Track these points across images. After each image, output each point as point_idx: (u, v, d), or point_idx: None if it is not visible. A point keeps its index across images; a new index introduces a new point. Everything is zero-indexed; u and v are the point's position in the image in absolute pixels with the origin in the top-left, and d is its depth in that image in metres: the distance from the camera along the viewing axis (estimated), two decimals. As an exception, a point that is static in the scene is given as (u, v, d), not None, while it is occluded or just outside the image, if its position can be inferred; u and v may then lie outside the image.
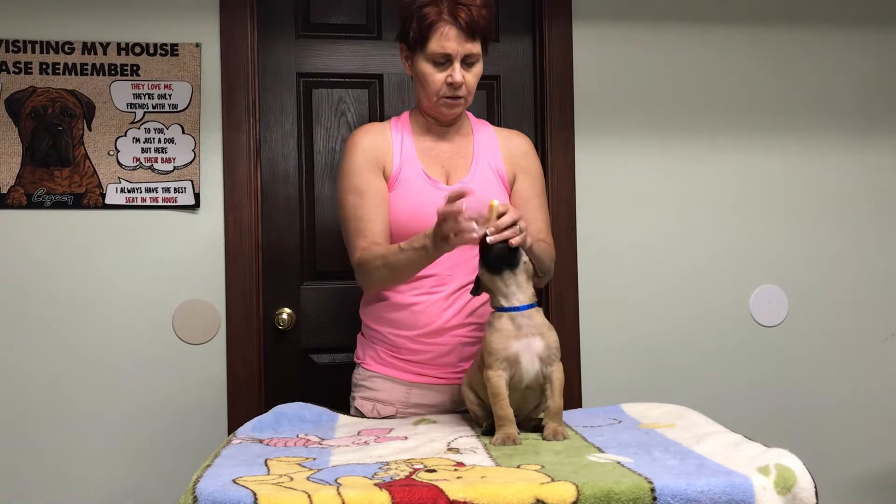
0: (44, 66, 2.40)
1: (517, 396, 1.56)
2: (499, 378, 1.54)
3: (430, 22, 1.74)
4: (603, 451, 1.41)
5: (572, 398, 2.54)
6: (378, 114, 2.61)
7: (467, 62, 1.79)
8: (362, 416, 1.88)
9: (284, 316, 2.54)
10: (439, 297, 1.81)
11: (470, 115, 1.98)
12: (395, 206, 1.82)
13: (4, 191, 2.37)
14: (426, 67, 1.79)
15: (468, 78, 1.79)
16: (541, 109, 2.66)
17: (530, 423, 1.62)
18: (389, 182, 1.83)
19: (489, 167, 1.89)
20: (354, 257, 1.81)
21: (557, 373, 1.56)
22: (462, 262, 1.79)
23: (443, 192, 1.77)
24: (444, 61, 1.77)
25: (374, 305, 1.90)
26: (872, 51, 2.79)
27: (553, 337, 1.57)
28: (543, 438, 1.53)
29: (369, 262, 1.76)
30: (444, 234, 1.55)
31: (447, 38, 1.75)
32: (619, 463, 1.32)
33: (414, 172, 1.83)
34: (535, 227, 1.87)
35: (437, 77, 1.78)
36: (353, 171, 1.82)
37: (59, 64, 2.41)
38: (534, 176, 1.94)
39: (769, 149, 2.74)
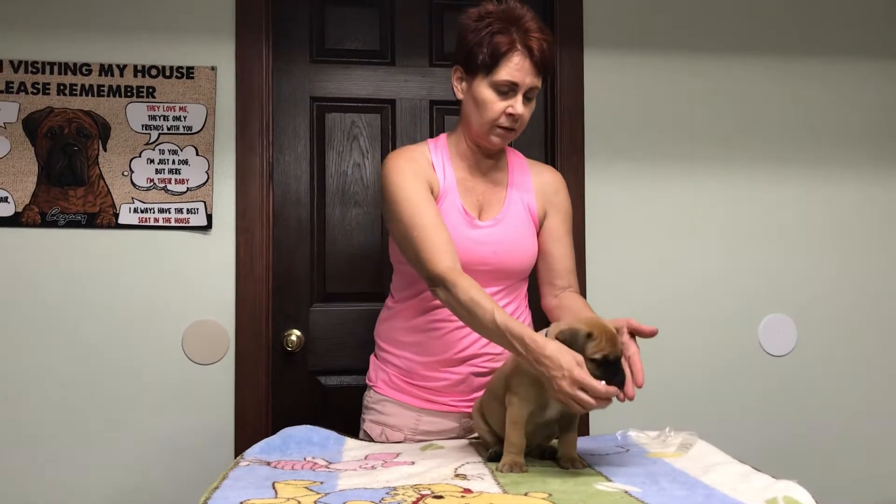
0: (61, 87, 2.43)
1: (531, 429, 1.53)
2: (522, 406, 1.50)
3: (504, 50, 1.69)
4: (610, 480, 1.41)
5: (579, 425, 2.52)
6: (390, 138, 2.63)
7: (527, 95, 1.74)
8: (371, 439, 1.88)
9: (293, 338, 2.55)
10: (458, 324, 1.78)
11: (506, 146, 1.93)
12: None
13: (19, 209, 2.40)
14: (488, 94, 1.73)
15: (525, 111, 1.75)
16: (551, 135, 2.67)
17: (539, 449, 1.62)
18: (436, 201, 1.77)
19: (521, 203, 1.85)
20: (434, 270, 1.64)
21: None
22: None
23: (476, 231, 1.75)
24: (507, 90, 1.72)
25: (390, 326, 1.89)
26: (883, 81, 2.80)
27: None
28: (561, 466, 1.52)
29: (450, 298, 1.61)
30: (562, 398, 1.40)
31: (518, 69, 1.70)
32: (626, 492, 1.31)
33: (453, 204, 1.78)
34: (562, 265, 1.88)
35: (498, 105, 1.73)
36: (404, 187, 1.72)
37: (76, 85, 2.44)
38: (564, 214, 1.92)
39: (779, 178, 2.75)
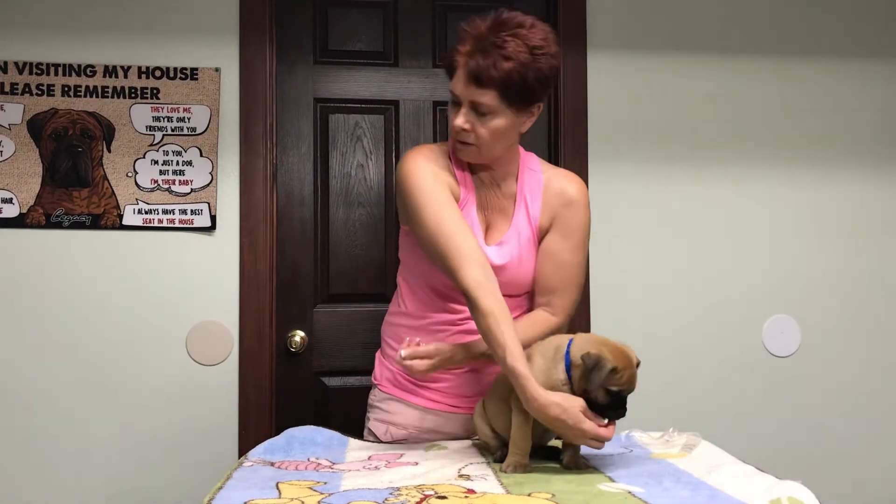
0: (65, 89, 2.44)
1: (541, 429, 1.53)
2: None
3: (454, 62, 1.68)
4: (614, 481, 1.41)
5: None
6: (394, 139, 2.64)
7: (479, 111, 1.67)
8: (375, 437, 1.88)
9: (297, 338, 2.55)
10: (464, 326, 1.78)
11: (522, 152, 1.86)
12: None
13: (24, 210, 2.41)
14: (449, 108, 1.74)
15: (479, 128, 1.67)
16: (555, 137, 2.67)
17: (543, 451, 1.62)
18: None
19: (526, 221, 1.79)
20: (462, 284, 1.60)
21: None
22: None
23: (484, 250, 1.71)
24: (457, 101, 1.69)
25: (396, 324, 1.89)
26: (887, 82, 2.80)
27: None
28: (564, 466, 1.52)
29: (474, 312, 1.58)
30: (561, 432, 1.48)
31: (457, 79, 1.67)
32: (630, 493, 1.31)
33: (469, 217, 1.75)
34: (542, 283, 1.78)
35: (451, 117, 1.72)
36: (426, 187, 1.68)
37: (80, 86, 2.45)
38: (566, 231, 1.79)
39: (783, 179, 2.75)
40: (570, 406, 1.44)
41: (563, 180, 1.83)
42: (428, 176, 1.70)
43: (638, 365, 1.48)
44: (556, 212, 1.79)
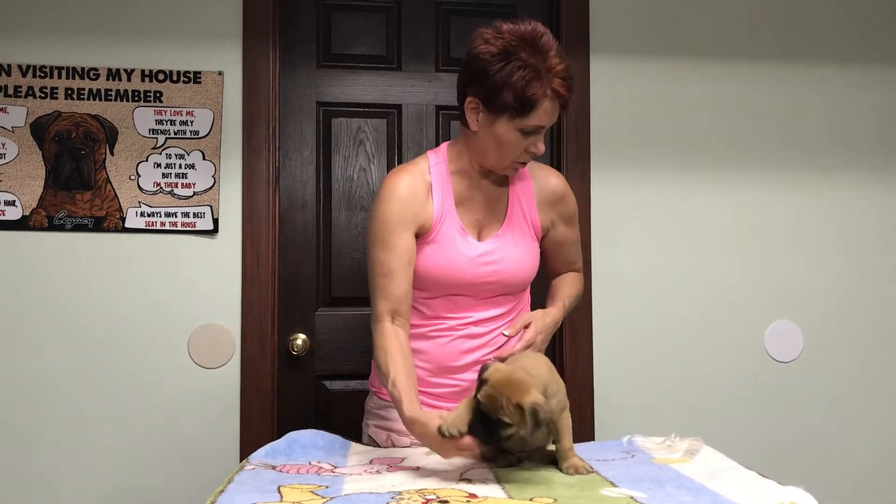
0: (69, 92, 2.44)
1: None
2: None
3: (538, 99, 1.66)
4: (616, 486, 1.40)
5: (585, 430, 2.53)
6: (396, 143, 2.64)
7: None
8: (376, 444, 1.88)
9: (299, 342, 2.55)
10: (462, 332, 1.81)
11: None
12: (426, 259, 1.77)
13: (27, 213, 2.41)
14: (512, 135, 1.70)
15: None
16: (557, 142, 2.67)
17: (544, 457, 1.61)
18: (428, 233, 1.77)
19: (522, 218, 1.85)
20: (374, 318, 1.75)
21: (566, 420, 1.54)
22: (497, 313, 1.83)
23: (475, 249, 1.76)
24: (532, 132, 1.71)
25: None
26: (889, 86, 2.80)
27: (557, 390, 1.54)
28: (563, 471, 1.52)
29: (374, 340, 1.74)
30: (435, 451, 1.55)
31: (546, 113, 1.68)
32: (632, 498, 1.31)
33: (451, 224, 1.78)
34: (570, 259, 1.98)
35: (522, 145, 1.72)
36: (385, 224, 1.74)
37: (83, 89, 2.45)
38: (570, 219, 1.94)
39: (785, 184, 2.74)
40: (430, 423, 1.50)
41: (548, 175, 1.92)
42: (394, 214, 1.74)
43: (534, 414, 1.38)
44: (556, 210, 1.91)
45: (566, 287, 1.96)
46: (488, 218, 1.83)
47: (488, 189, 1.84)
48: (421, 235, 1.77)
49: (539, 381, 1.46)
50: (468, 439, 1.45)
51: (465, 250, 1.78)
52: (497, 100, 1.67)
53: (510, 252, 1.81)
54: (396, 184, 1.77)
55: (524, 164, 1.79)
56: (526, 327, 1.81)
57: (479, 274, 1.78)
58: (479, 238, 1.82)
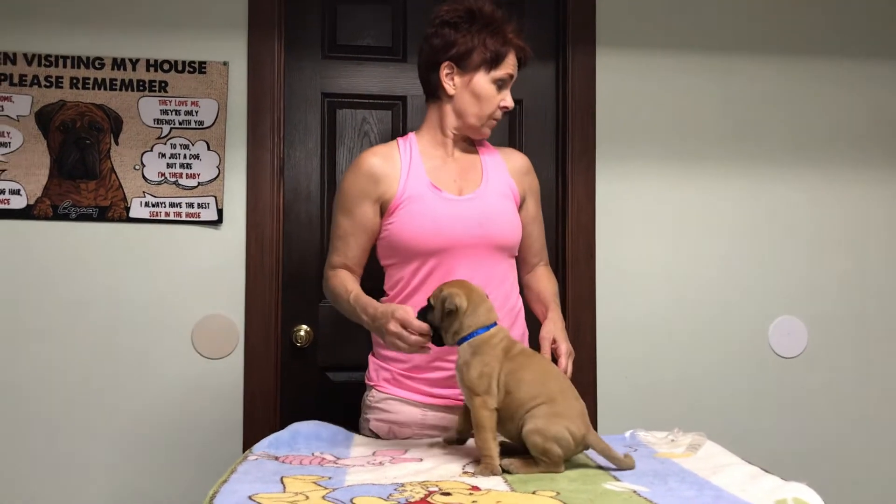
0: (74, 81, 2.44)
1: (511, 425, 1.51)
2: (485, 406, 1.49)
3: (505, 49, 1.85)
4: (619, 480, 1.41)
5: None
6: (401, 134, 2.60)
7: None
8: (378, 438, 1.88)
9: (302, 333, 2.56)
10: None
11: None
12: (409, 223, 1.82)
13: (31, 202, 2.41)
14: (489, 88, 1.87)
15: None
16: (562, 135, 2.67)
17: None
18: (394, 204, 1.84)
19: (499, 180, 1.92)
20: (327, 269, 1.92)
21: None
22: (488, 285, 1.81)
23: (456, 204, 1.83)
24: (502, 84, 1.87)
25: None
26: (894, 82, 2.79)
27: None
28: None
29: (327, 285, 1.91)
30: (390, 343, 1.67)
31: (512, 65, 1.88)
32: (635, 492, 1.31)
33: (424, 189, 1.84)
34: (538, 244, 2.04)
35: (496, 99, 1.88)
36: (349, 193, 1.88)
37: (88, 79, 2.45)
38: (536, 194, 2.04)
39: (790, 179, 2.74)
40: (390, 312, 1.65)
41: (513, 153, 2.03)
42: (359, 182, 1.87)
43: (443, 300, 1.56)
44: (526, 182, 2.00)
45: (548, 285, 2.01)
46: (465, 181, 1.90)
47: (462, 159, 1.94)
48: (387, 205, 1.85)
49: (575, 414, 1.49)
50: (420, 326, 1.60)
51: (446, 207, 1.83)
52: (470, 58, 1.85)
53: (492, 206, 1.86)
54: (364, 158, 1.89)
55: (497, 120, 1.91)
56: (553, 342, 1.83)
57: (464, 229, 1.82)
58: (460, 193, 1.87)
